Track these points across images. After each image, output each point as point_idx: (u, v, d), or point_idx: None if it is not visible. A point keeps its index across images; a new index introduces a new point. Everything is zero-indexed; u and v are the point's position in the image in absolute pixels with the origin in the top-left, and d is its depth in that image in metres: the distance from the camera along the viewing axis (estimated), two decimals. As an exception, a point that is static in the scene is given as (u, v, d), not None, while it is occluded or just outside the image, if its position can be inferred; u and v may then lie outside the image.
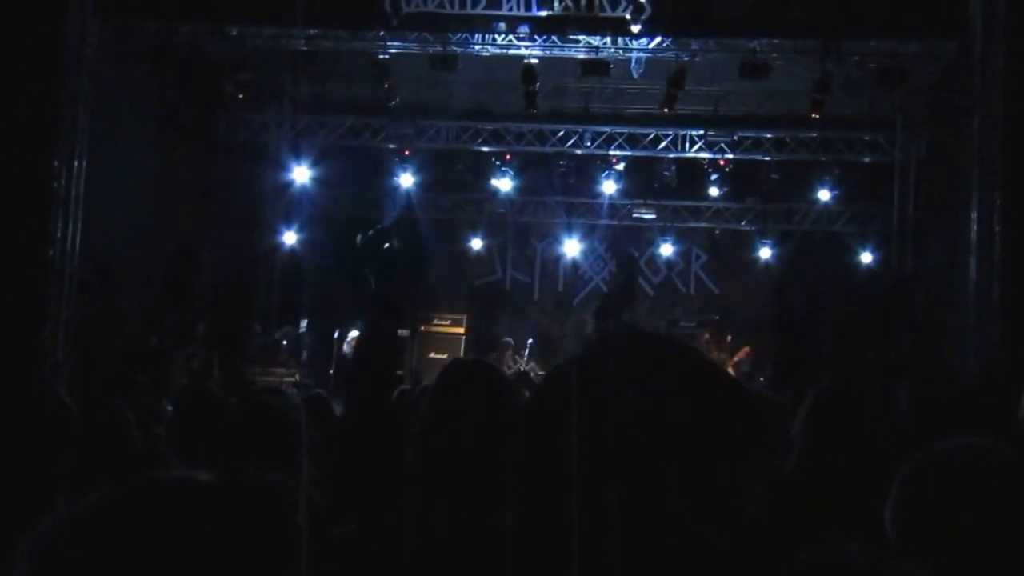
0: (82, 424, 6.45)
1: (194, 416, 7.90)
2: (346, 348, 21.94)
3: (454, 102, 23.58)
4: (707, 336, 21.40)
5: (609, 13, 18.76)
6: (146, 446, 7.04)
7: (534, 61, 20.28)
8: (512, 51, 20.30)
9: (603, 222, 25.97)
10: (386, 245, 23.74)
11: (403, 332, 23.95)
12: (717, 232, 25.64)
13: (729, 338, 21.95)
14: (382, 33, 19.74)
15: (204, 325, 21.15)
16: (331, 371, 22.75)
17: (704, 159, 24.08)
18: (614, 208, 25.78)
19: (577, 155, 24.43)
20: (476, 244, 26.22)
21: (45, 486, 4.68)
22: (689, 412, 1.87)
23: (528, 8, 18.78)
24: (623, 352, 1.97)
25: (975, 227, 17.45)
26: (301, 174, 24.66)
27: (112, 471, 5.39)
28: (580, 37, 19.71)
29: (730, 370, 19.39)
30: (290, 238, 25.40)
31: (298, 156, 24.56)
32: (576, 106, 23.95)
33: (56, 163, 17.90)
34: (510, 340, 23.34)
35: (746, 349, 21.68)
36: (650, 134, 23.92)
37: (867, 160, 23.61)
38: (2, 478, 4.42)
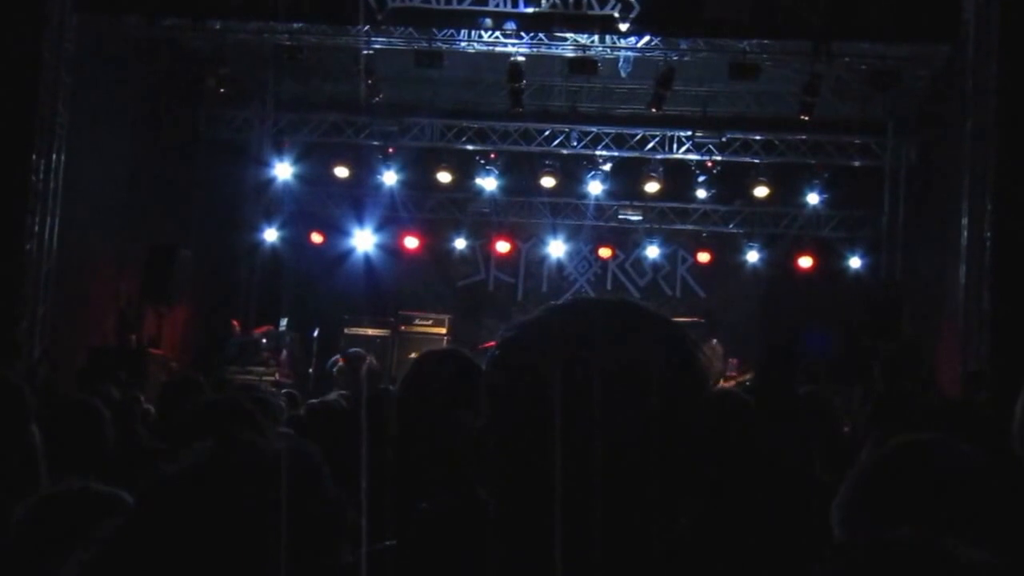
0: (56, 420, 6.30)
1: (177, 403, 7.74)
2: (335, 371, 21.57)
3: (439, 100, 23.38)
4: (714, 342, 21.05)
5: (597, 11, 18.59)
6: (122, 443, 6.89)
7: (520, 59, 20.07)
8: (499, 49, 20.09)
9: (588, 223, 25.69)
10: None
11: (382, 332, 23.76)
12: (704, 235, 25.34)
13: (715, 341, 21.64)
14: (367, 28, 19.49)
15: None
16: (310, 370, 22.51)
17: (692, 161, 23.85)
18: (600, 209, 25.51)
19: (563, 155, 24.18)
20: (460, 244, 25.92)
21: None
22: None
23: (515, 5, 18.60)
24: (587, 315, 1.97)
25: (965, 233, 17.35)
26: (283, 171, 24.41)
27: (85, 467, 5.29)
28: (568, 35, 19.51)
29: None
30: (271, 235, 25.12)
31: (280, 153, 24.32)
32: (563, 105, 23.74)
33: (34, 157, 17.74)
34: None
35: (733, 362, 21.38)
36: (637, 134, 23.70)
37: (857, 164, 23.44)
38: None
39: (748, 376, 20.72)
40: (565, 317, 1.99)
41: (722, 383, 19.13)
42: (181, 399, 7.86)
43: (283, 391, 16.14)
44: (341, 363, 21.66)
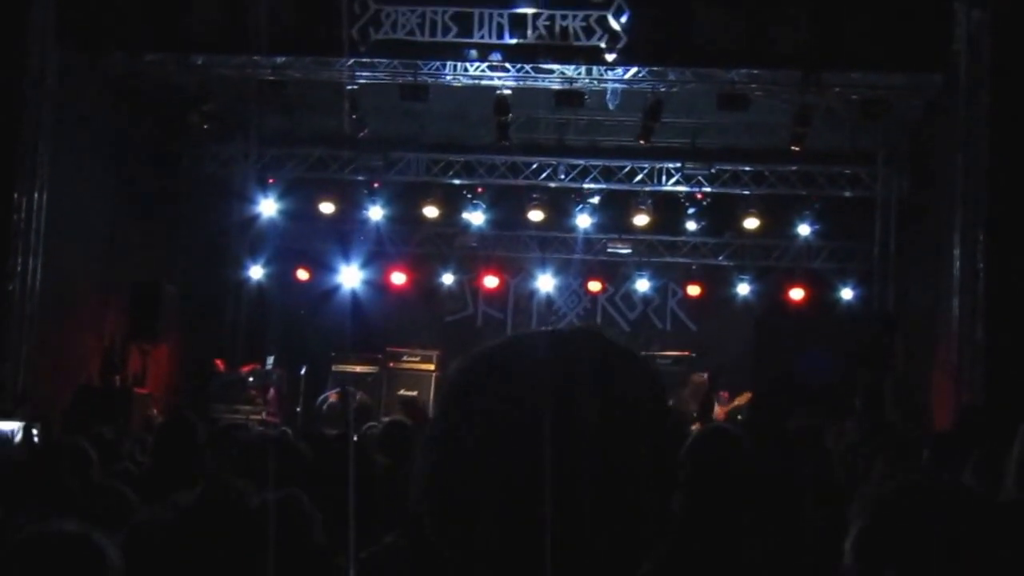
0: (44, 459, 6.17)
1: (175, 443, 7.62)
2: (325, 409, 21.38)
3: (425, 134, 23.22)
4: (705, 376, 20.63)
5: (584, 42, 18.50)
6: (107, 482, 6.76)
7: (507, 92, 19.94)
8: (485, 82, 19.96)
9: (577, 256, 25.51)
10: None
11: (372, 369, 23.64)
12: (694, 267, 25.17)
13: (706, 375, 21.33)
14: (351, 63, 19.36)
15: None
16: (298, 409, 22.29)
17: (681, 193, 23.69)
18: (589, 242, 25.33)
19: (551, 188, 23.99)
20: (447, 279, 25.71)
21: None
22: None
23: (500, 36, 18.54)
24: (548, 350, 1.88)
25: (958, 264, 17.20)
26: (268, 207, 24.17)
27: (71, 505, 5.22)
28: (554, 67, 19.39)
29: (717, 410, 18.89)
30: (256, 272, 24.89)
31: (264, 189, 24.10)
32: (550, 138, 23.59)
33: (16, 196, 17.52)
34: None
35: (747, 395, 20.95)
36: (626, 167, 23.55)
37: (848, 195, 23.29)
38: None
39: (739, 401, 20.52)
40: (523, 352, 1.91)
41: (717, 410, 18.92)
42: (175, 441, 7.71)
43: (278, 430, 16.02)
44: (333, 399, 21.51)
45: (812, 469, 7.23)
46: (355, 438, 12.99)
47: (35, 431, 15.40)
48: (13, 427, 15.72)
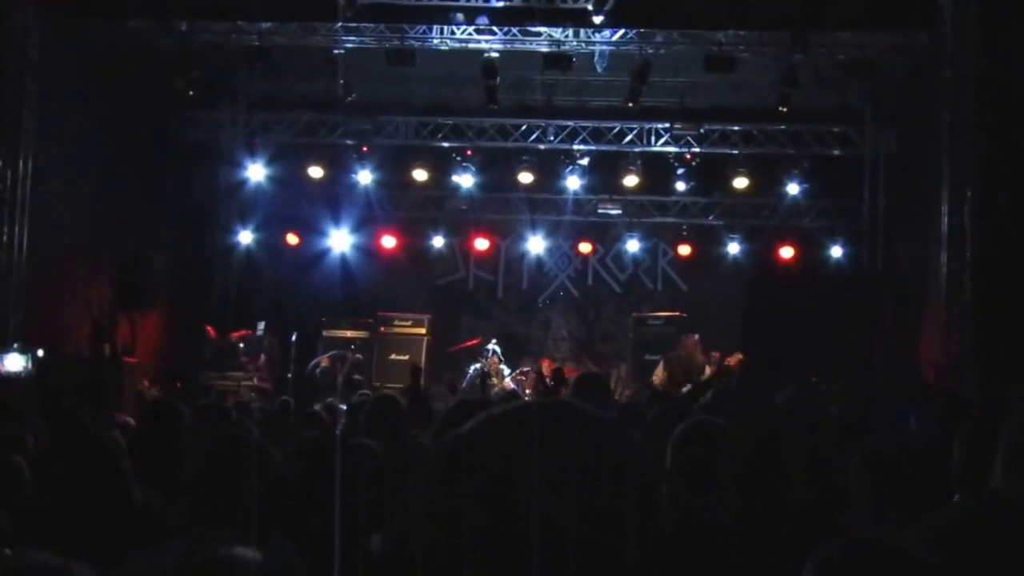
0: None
1: (157, 435, 7.50)
2: (317, 373, 21.29)
3: (413, 97, 23.12)
4: (696, 337, 20.50)
5: (570, 4, 18.44)
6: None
7: (494, 55, 19.88)
8: (472, 45, 19.91)
9: (568, 218, 25.45)
10: None
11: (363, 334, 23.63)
12: (684, 228, 25.12)
13: (697, 336, 21.27)
14: (337, 27, 19.28)
15: None
16: (289, 375, 22.22)
17: (670, 153, 23.63)
18: (579, 204, 25.26)
19: (540, 150, 23.92)
20: (437, 242, 25.65)
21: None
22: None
23: (487, -1, 18.48)
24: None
25: (946, 220, 17.24)
26: (256, 172, 24.03)
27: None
28: (542, 30, 19.34)
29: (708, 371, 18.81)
30: (245, 238, 24.82)
31: (252, 154, 23.94)
32: (539, 99, 23.48)
33: (1, 165, 17.42)
34: (495, 348, 22.37)
35: (739, 356, 20.78)
36: (615, 128, 23.49)
37: (837, 153, 23.24)
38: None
39: (731, 361, 20.44)
40: (504, 428, 1.89)
41: (707, 371, 18.85)
42: (160, 428, 7.60)
43: (280, 399, 16.04)
44: (325, 363, 21.45)
45: (801, 448, 7.20)
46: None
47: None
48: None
